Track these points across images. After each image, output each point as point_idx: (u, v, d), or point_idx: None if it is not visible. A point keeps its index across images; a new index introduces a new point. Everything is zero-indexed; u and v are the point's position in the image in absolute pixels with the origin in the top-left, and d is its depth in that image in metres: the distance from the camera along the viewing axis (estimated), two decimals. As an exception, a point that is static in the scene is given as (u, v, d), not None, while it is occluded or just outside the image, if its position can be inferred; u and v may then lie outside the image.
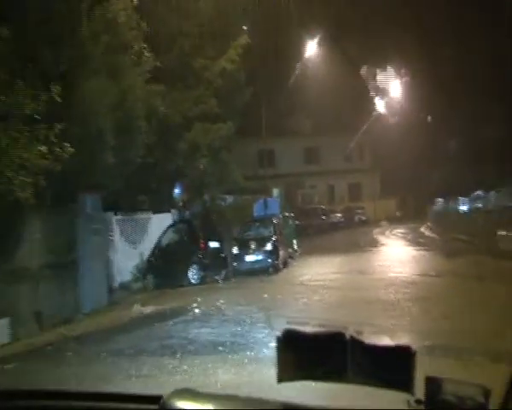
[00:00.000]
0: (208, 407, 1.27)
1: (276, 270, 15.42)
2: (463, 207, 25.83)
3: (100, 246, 11.35)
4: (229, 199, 20.95)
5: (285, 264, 16.44)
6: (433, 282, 11.46)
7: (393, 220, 34.36)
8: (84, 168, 10.03)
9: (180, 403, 1.25)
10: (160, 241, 14.99)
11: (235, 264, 15.56)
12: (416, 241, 22.55)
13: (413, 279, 11.87)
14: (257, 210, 19.53)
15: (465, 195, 29.91)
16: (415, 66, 31.41)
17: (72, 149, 8.85)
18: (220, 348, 6.83)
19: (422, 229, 27.62)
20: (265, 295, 11.03)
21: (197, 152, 16.32)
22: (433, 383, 1.10)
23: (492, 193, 28.85)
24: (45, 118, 8.77)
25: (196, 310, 10.04)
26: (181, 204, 17.29)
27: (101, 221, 11.50)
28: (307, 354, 1.16)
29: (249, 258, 15.64)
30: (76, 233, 10.56)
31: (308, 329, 1.20)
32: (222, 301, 10.74)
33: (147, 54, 12.88)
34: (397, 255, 18.00)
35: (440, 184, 32.47)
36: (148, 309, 10.43)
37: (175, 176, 16.98)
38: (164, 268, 14.23)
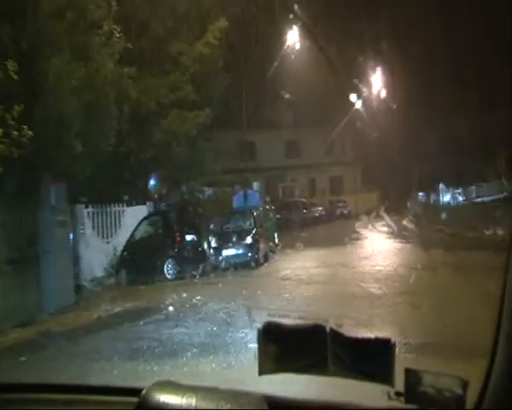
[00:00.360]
0: (190, 398, 1.24)
1: (257, 264, 14.86)
2: (445, 199, 25.75)
3: (65, 240, 10.53)
4: (208, 191, 20.28)
5: (266, 258, 15.87)
6: (416, 275, 10.72)
7: (375, 214, 34.10)
8: (48, 155, 9.20)
9: (161, 395, 1.23)
10: (133, 234, 14.23)
11: (213, 258, 14.91)
12: (399, 233, 21.96)
13: (396, 272, 11.49)
14: (236, 202, 18.87)
15: (446, 188, 29.87)
16: (394, 57, 31.27)
17: (30, 133, 8.03)
18: (194, 350, 6.22)
19: (405, 222, 27.31)
20: (245, 291, 10.40)
21: (173, 141, 15.53)
22: (412, 376, 1.09)
23: (473, 187, 28.86)
24: (1, 98, 7.94)
25: (170, 308, 9.36)
26: (157, 196, 16.52)
27: (67, 213, 10.64)
28: (288, 347, 1.16)
29: (228, 252, 15.03)
30: (39, 226, 9.71)
31: (288, 321, 1.20)
32: (198, 298, 10.07)
33: (117, 35, 12.06)
34: (379, 248, 17.48)
35: (421, 177, 32.37)
36: (118, 307, 9.68)
37: (150, 166, 16.19)
38: (138, 263, 13.49)
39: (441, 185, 29.35)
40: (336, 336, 1.12)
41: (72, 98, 9.74)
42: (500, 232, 13.86)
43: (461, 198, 29.79)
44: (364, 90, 34.59)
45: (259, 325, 1.20)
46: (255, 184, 27.23)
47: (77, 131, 9.88)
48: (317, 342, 1.14)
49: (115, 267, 13.92)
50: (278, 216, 22.94)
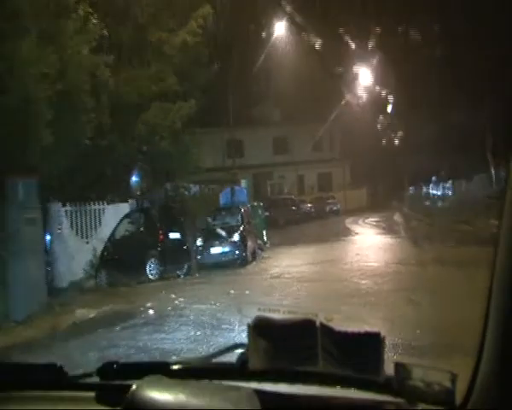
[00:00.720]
0: (181, 394, 1.20)
1: (245, 262, 14.27)
2: (436, 192, 25.55)
3: (36, 240, 9.70)
4: (194, 188, 19.55)
5: (254, 256, 15.30)
6: (408, 271, 10.63)
7: (365, 209, 33.81)
8: (14, 146, 8.41)
9: (151, 390, 1.20)
10: (114, 233, 13.46)
11: (199, 257, 14.26)
12: (390, 229, 21.86)
13: (388, 269, 11.11)
14: (223, 199, 18.19)
15: (436, 183, 29.67)
16: (384, 52, 30.81)
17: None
18: (174, 358, 5.57)
19: (395, 217, 27.00)
20: (232, 291, 9.74)
21: (156, 135, 14.77)
22: (401, 369, 1.11)
23: (463, 181, 28.73)
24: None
25: (150, 311, 8.68)
26: (139, 193, 15.74)
27: (38, 211, 9.80)
28: (278, 342, 1.17)
29: (215, 250, 14.35)
30: (5, 225, 8.90)
31: (279, 316, 1.22)
32: (181, 300, 9.43)
33: (93, 20, 11.31)
34: (371, 244, 17.27)
35: (412, 173, 32.07)
36: (94, 312, 8.93)
37: (132, 162, 15.42)
38: (119, 263, 12.71)
39: (432, 180, 29.11)
40: (326, 330, 1.13)
41: (42, 85, 8.95)
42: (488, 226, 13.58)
43: (451, 192, 29.60)
44: (354, 85, 34.22)
45: (249, 321, 1.20)
46: (243, 182, 26.63)
47: (47, 121, 9.09)
48: (307, 337, 1.14)
49: (95, 268, 13.13)
50: (267, 214, 22.39)
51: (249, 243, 15.00)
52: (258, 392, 1.18)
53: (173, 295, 9.93)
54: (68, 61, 9.90)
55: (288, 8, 22.97)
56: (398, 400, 1.11)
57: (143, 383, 1.25)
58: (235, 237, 14.54)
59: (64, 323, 8.33)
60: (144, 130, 14.53)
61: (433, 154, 30.48)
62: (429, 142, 31.82)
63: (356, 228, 24.35)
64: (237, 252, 14.33)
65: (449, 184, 30.17)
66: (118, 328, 7.61)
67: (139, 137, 14.74)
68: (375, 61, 32.53)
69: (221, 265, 13.79)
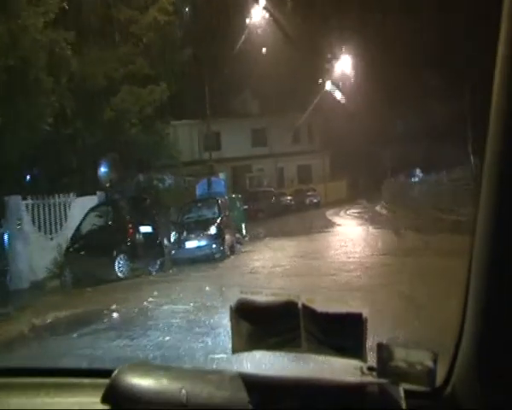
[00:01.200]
0: (163, 378, 1.20)
1: (222, 257, 13.43)
2: (418, 182, 25.40)
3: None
4: (169, 180, 18.54)
5: (232, 250, 14.43)
6: (392, 262, 9.98)
7: (346, 201, 33.39)
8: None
9: (133, 375, 1.20)
10: (79, 228, 12.42)
11: (173, 252, 13.34)
12: (372, 220, 21.54)
13: (371, 261, 10.67)
14: (200, 190, 17.18)
15: (418, 174, 29.46)
16: (363, 42, 30.29)
17: None
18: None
19: (377, 208, 26.58)
20: (208, 288, 8.82)
21: (125, 121, 13.70)
22: (384, 350, 1.12)
23: (444, 172, 28.57)
24: None
25: (115, 314, 7.69)
26: (108, 185, 14.64)
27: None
28: (260, 324, 1.17)
29: (190, 244, 13.44)
30: None
31: (261, 298, 1.19)
32: (151, 300, 8.45)
33: (51, -8, 10.20)
34: (352, 236, 16.78)
35: (393, 164, 31.89)
36: (52, 316, 7.90)
37: (100, 151, 14.30)
38: (85, 261, 11.73)
39: (414, 171, 28.95)
40: (308, 311, 1.12)
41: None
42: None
43: (432, 182, 29.48)
44: (332, 75, 33.64)
45: (231, 303, 1.16)
46: (221, 175, 25.83)
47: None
48: (290, 319, 1.13)
49: (59, 267, 12.08)
50: (246, 207, 21.63)
51: (227, 237, 14.15)
52: (242, 375, 1.17)
53: (143, 295, 8.98)
54: (20, 34, 8.78)
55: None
56: (381, 380, 1.12)
57: (125, 367, 1.23)
58: (212, 230, 13.68)
59: (16, 330, 7.30)
60: (112, 116, 13.45)
61: (415, 145, 30.22)
62: (411, 133, 31.52)
63: (337, 220, 23.83)
64: (214, 246, 13.46)
65: (431, 175, 30.05)
66: (76, 334, 6.60)
67: (107, 124, 13.65)
68: (354, 51, 32.10)
69: (197, 260, 12.89)
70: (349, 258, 11.20)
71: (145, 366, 1.29)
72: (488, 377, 1.03)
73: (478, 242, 1.06)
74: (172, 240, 13.47)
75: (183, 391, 1.13)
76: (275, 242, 16.10)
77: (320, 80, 33.77)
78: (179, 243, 13.48)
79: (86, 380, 1.41)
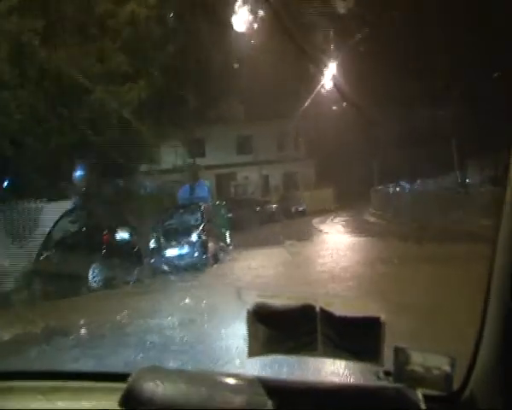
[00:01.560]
0: (180, 383, 1.19)
1: (205, 266, 12.70)
2: (405, 191, 25.40)
3: None
4: (150, 184, 17.75)
5: (216, 258, 13.68)
6: (381, 271, 9.65)
7: (333, 209, 33.12)
8: None
9: (151, 380, 1.18)
10: (50, 234, 11.56)
11: (152, 260, 12.50)
12: (358, 227, 21.48)
13: (358, 270, 10.50)
14: (182, 195, 16.40)
15: (405, 182, 29.40)
16: (350, 48, 30.01)
17: None
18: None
19: (365, 216, 26.25)
20: (188, 300, 8.04)
21: (102, 121, 12.88)
22: (401, 354, 1.11)
23: (432, 181, 28.52)
24: None
25: (83, 330, 6.88)
26: (84, 189, 13.77)
27: None
28: (277, 328, 1.16)
29: (171, 252, 12.68)
30: None
31: (278, 302, 1.18)
32: (125, 314, 7.67)
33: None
34: (339, 245, 16.56)
35: (380, 172, 31.78)
36: (9, 335, 7.03)
37: (75, 152, 13.45)
38: (56, 270, 10.81)
39: (401, 179, 28.93)
40: (326, 315, 1.12)
41: None
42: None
43: (419, 191, 29.57)
44: (320, 82, 33.28)
45: (249, 307, 1.17)
46: (206, 182, 25.23)
47: None
48: (307, 323, 1.13)
49: (27, 277, 11.17)
50: (230, 215, 21.03)
51: (210, 245, 13.44)
52: (259, 378, 1.14)
53: (116, 308, 8.20)
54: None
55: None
56: (398, 385, 1.10)
57: (142, 372, 1.22)
58: (195, 238, 12.95)
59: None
60: (88, 115, 12.63)
61: (402, 153, 30.04)
62: (398, 141, 31.31)
63: (323, 228, 23.54)
64: (196, 254, 12.75)
65: (418, 184, 30.04)
66: (33, 354, 5.80)
67: (83, 124, 12.81)
68: (340, 57, 31.78)
69: (179, 269, 12.12)
70: (333, 268, 10.78)
71: (161, 370, 1.27)
72: (505, 382, 1.01)
73: (500, 249, 1.06)
74: (152, 248, 12.64)
75: (201, 395, 1.11)
76: (259, 250, 15.44)
77: (307, 87, 33.45)
78: (159, 250, 12.70)
79: (102, 384, 1.42)
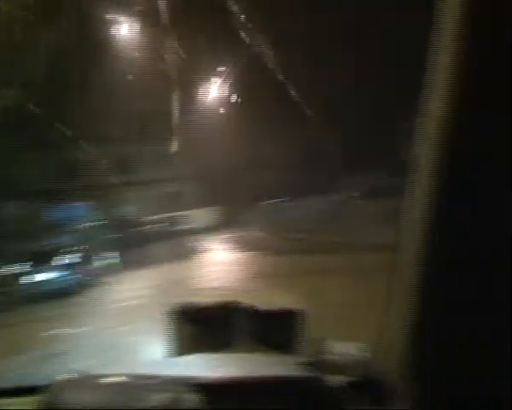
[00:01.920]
0: (102, 388, 1.17)
1: (81, 290, 11.79)
2: (288, 206, 26.31)
3: None
4: (19, 205, 16.19)
5: (93, 282, 12.75)
6: (262, 286, 9.83)
7: (217, 227, 33.57)
8: None
9: (70, 388, 1.16)
10: None
11: (17, 287, 11.23)
12: (245, 243, 21.96)
13: (244, 285, 10.59)
14: (56, 215, 15.32)
15: (290, 197, 30.69)
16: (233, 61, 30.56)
17: None
18: None
19: (248, 232, 26.97)
20: (57, 331, 7.23)
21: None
22: (317, 344, 1.17)
23: (319, 196, 30.04)
24: None
25: None
26: None
27: None
28: (200, 326, 1.19)
29: (41, 276, 11.55)
30: None
31: (200, 301, 1.23)
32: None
33: None
34: (225, 260, 17.35)
35: (265, 188, 32.79)
36: None
37: None
38: None
39: (282, 196, 30.20)
40: (248, 311, 1.17)
41: None
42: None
43: (304, 206, 31.07)
44: (201, 100, 33.42)
45: (172, 308, 1.17)
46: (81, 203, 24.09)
47: None
48: (229, 320, 1.17)
49: None
50: (111, 235, 20.35)
51: (89, 266, 12.55)
52: (182, 377, 1.13)
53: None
54: None
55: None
56: (318, 374, 1.13)
57: (61, 381, 1.19)
58: (69, 260, 11.99)
59: None
60: None
61: (285, 172, 31.26)
62: (281, 160, 32.53)
63: (206, 245, 23.86)
64: (71, 278, 11.81)
65: (298, 201, 31.50)
66: None
67: None
68: (226, 75, 32.24)
69: (50, 295, 11.12)
70: (219, 284, 11.03)
71: (83, 377, 1.22)
72: (419, 367, 1.03)
73: (401, 256, 1.10)
74: (16, 273, 11.42)
75: (124, 397, 1.08)
76: (143, 270, 15.26)
77: (184, 104, 33.47)
78: (27, 275, 11.51)
79: (16, 399, 1.36)
